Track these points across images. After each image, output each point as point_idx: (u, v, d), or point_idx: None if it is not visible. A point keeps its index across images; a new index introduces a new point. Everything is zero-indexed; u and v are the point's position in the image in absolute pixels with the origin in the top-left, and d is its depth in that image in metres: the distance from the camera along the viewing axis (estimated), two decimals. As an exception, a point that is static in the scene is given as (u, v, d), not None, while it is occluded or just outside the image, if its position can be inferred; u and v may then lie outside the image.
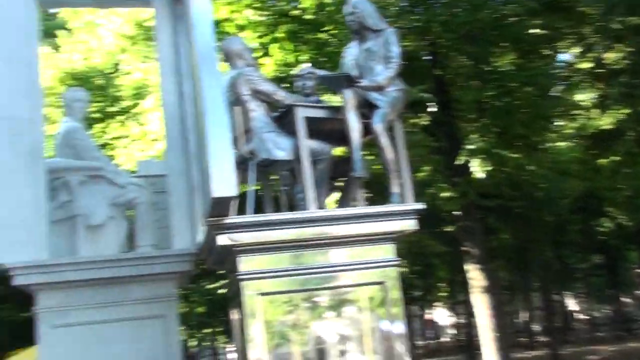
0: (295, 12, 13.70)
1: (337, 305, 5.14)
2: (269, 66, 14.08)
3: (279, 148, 5.41)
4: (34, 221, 5.77)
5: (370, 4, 6.05)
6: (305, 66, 6.14)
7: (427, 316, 42.77)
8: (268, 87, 5.59)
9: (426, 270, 26.19)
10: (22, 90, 6.07)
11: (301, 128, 5.36)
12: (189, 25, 5.30)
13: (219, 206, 4.56)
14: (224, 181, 4.41)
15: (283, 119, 5.61)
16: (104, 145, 17.18)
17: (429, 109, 13.63)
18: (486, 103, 13.27)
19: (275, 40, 13.75)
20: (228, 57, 5.81)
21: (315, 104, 5.70)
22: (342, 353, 5.06)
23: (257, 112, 5.52)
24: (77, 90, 7.08)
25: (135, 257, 6.02)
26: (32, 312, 5.87)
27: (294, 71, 13.35)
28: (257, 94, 5.54)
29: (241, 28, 14.03)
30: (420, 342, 37.38)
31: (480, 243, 13.53)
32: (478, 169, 12.21)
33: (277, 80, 14.04)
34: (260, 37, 13.79)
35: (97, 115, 16.65)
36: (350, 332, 5.11)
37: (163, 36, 6.46)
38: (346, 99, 5.46)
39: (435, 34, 12.71)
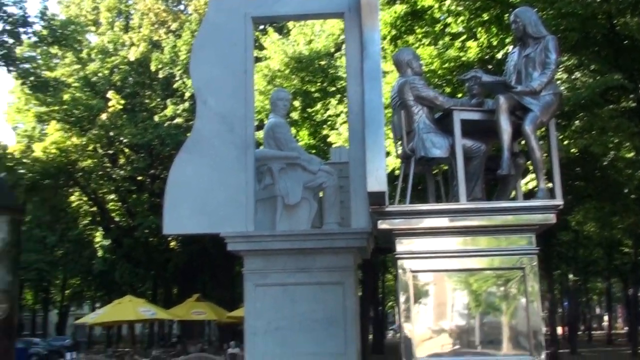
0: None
1: (479, 287, 5.92)
2: (473, 49, 14.61)
3: (435, 147, 6.26)
4: (244, 200, 7.21)
5: (533, 13, 6.57)
6: (472, 70, 6.80)
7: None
8: (429, 93, 6.43)
9: None
10: (239, 92, 7.47)
11: (457, 129, 6.15)
12: (361, 44, 6.31)
13: (374, 198, 5.59)
14: (377, 179, 5.41)
15: (443, 120, 6.43)
16: (325, 122, 18.82)
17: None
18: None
19: (481, 24, 14.23)
20: (398, 66, 6.73)
21: (471, 107, 6.42)
22: (481, 331, 5.86)
23: (420, 114, 6.40)
24: (281, 90, 8.40)
25: (320, 232, 7.24)
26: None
27: (499, 55, 13.79)
28: (420, 99, 6.41)
29: (448, 12, 14.70)
30: None
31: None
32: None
33: (482, 62, 14.59)
34: (464, 21, 14.33)
35: (318, 94, 18.21)
36: (489, 313, 5.88)
37: (350, 45, 7.46)
38: (499, 104, 6.11)
39: None
